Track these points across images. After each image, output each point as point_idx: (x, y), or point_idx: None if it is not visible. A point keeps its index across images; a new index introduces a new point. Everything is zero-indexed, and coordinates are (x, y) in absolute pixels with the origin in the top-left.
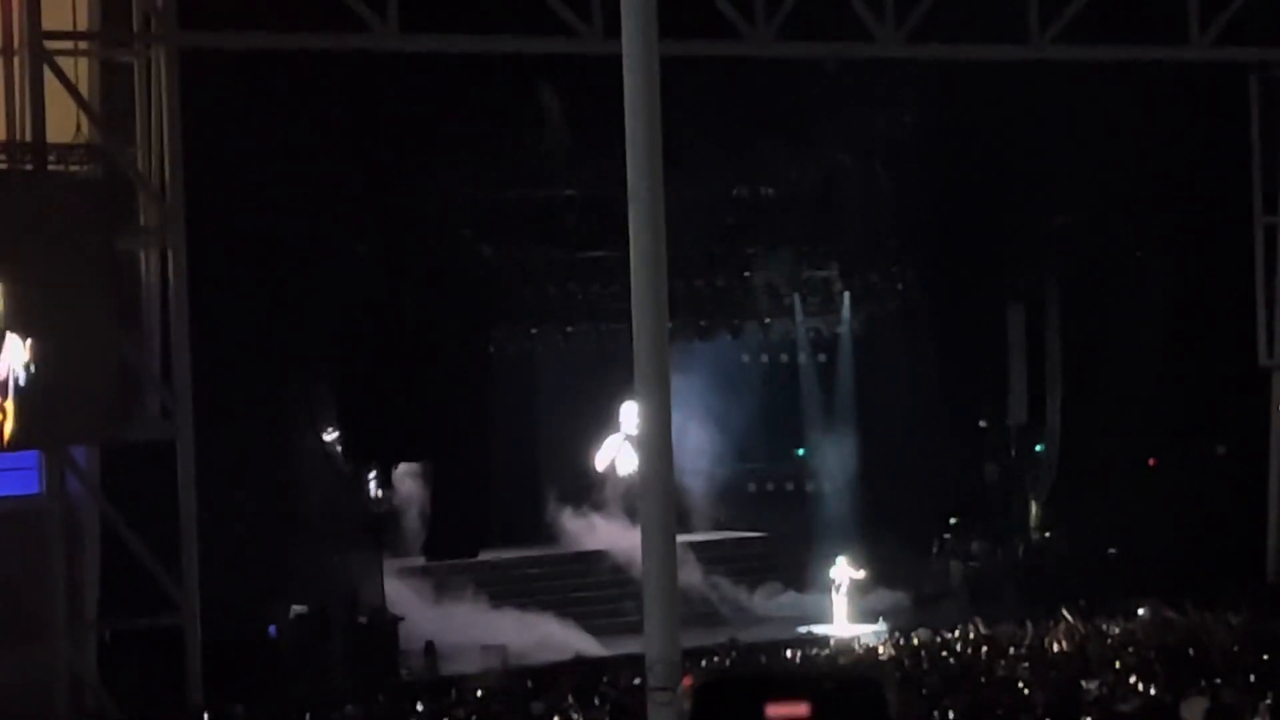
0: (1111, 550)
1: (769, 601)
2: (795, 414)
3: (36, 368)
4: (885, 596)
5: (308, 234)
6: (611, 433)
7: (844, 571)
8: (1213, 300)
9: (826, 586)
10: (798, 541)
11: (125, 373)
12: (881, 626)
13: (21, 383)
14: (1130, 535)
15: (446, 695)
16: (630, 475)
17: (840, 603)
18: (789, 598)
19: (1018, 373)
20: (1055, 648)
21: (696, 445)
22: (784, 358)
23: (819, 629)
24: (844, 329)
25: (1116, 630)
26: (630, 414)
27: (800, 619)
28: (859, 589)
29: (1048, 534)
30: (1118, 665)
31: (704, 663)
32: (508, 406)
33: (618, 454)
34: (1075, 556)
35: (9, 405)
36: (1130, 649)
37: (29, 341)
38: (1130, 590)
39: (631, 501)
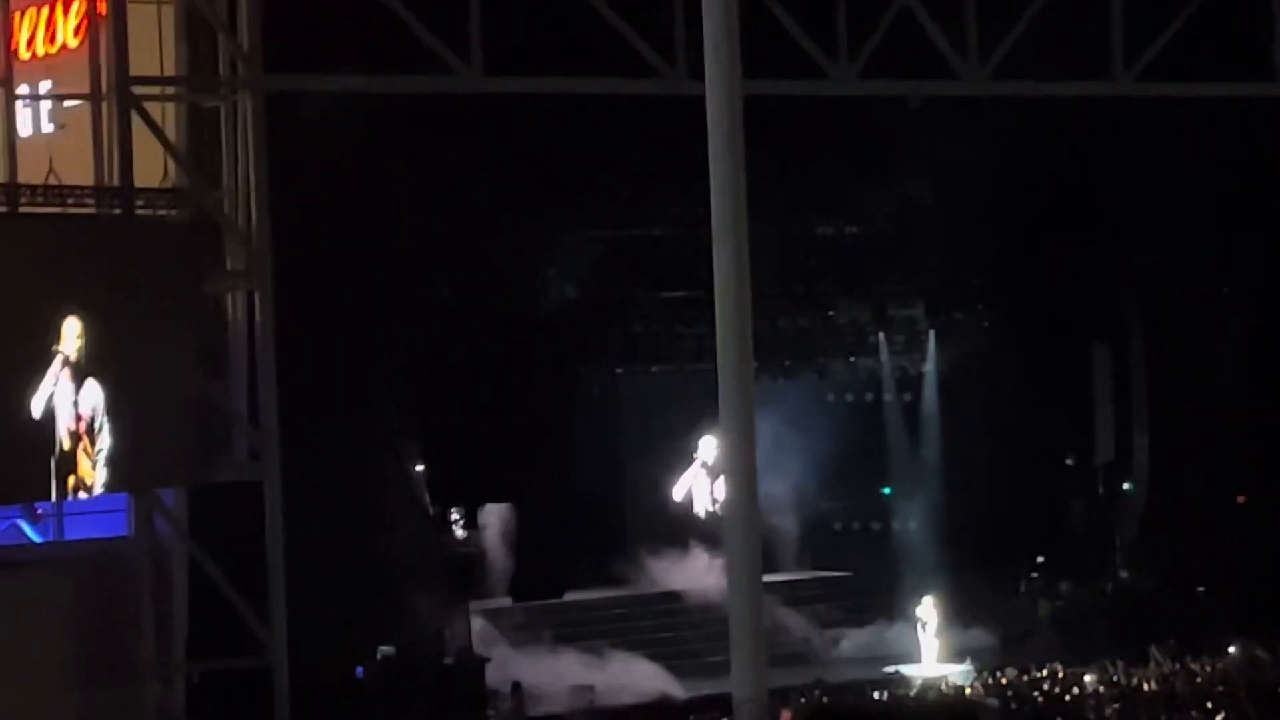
0: (1200, 589)
1: (855, 641)
2: (881, 453)
3: (123, 411)
4: (974, 635)
5: (393, 275)
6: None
7: (930, 611)
8: None
9: (913, 625)
10: (884, 581)
11: (212, 415)
12: (968, 666)
13: (107, 427)
14: (1219, 573)
15: None
16: (709, 512)
17: (928, 642)
18: (875, 637)
19: (1104, 410)
20: (1144, 687)
21: (782, 484)
22: (869, 396)
23: (906, 669)
24: (929, 367)
25: (1206, 669)
26: (708, 446)
27: (886, 659)
28: (945, 628)
29: (1136, 572)
30: (1208, 705)
31: (798, 699)
32: (592, 446)
33: (694, 486)
34: (1164, 595)
35: (91, 449)
36: (1220, 688)
37: (115, 385)
38: (1220, 629)
39: (715, 540)
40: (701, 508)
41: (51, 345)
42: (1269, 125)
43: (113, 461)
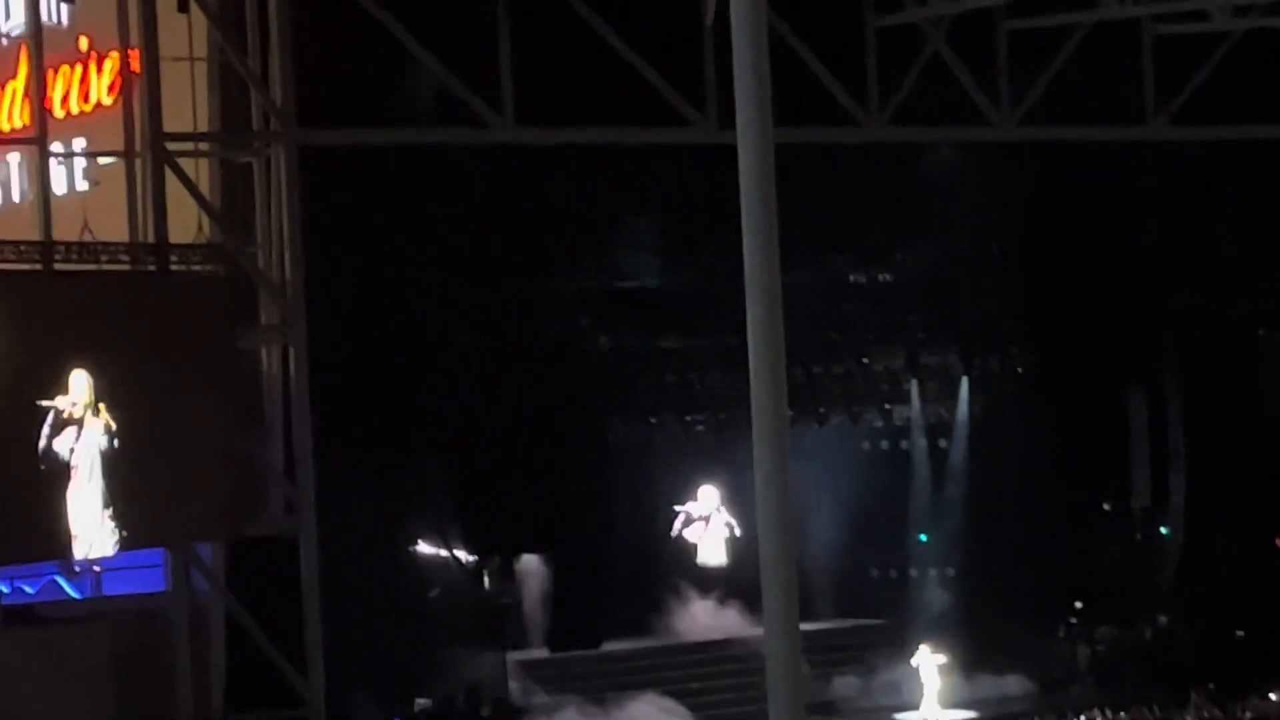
0: (1240, 633)
1: (886, 687)
2: (917, 499)
3: (159, 467)
4: (1012, 682)
5: (427, 327)
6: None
7: (929, 658)
8: None
9: (946, 672)
10: (921, 628)
11: (249, 469)
12: (972, 714)
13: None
14: (1258, 617)
15: None
16: (718, 563)
17: (929, 690)
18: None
19: (1140, 455)
20: None
21: (817, 532)
22: (904, 443)
23: (902, 716)
24: (963, 413)
25: (1248, 715)
26: (708, 497)
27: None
28: (971, 674)
29: (1174, 617)
30: None
31: None
32: (627, 495)
33: (699, 535)
34: (1203, 640)
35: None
36: None
37: (150, 440)
38: (1259, 674)
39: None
40: (710, 558)
41: (80, 401)
42: None
43: (139, 515)
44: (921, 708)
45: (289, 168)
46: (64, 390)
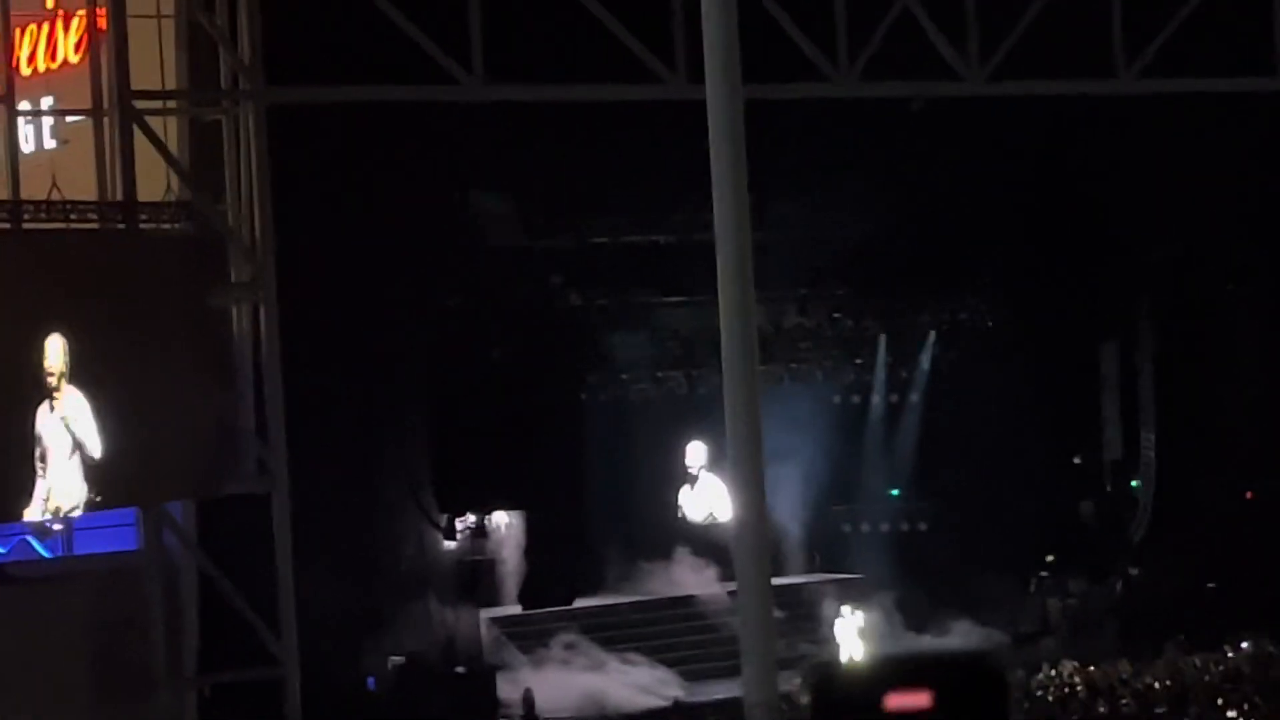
0: (1210, 584)
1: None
2: (888, 454)
3: (129, 426)
4: (986, 635)
5: (398, 286)
6: (683, 482)
7: (851, 621)
8: None
9: (916, 627)
10: (893, 582)
11: (220, 428)
12: None
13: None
14: (1229, 569)
15: None
16: (704, 519)
17: (858, 653)
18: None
19: (1111, 408)
20: (1156, 684)
21: (788, 487)
22: (875, 398)
23: None
24: (935, 367)
25: (1217, 666)
26: (695, 454)
27: None
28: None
29: (1146, 570)
30: (1219, 701)
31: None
32: (600, 453)
33: (686, 497)
34: (1174, 592)
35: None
36: (1231, 685)
37: (120, 400)
38: (1230, 625)
39: (718, 546)
40: (697, 514)
41: (46, 362)
42: (1273, 119)
43: (119, 475)
44: None
45: (258, 125)
46: (41, 355)
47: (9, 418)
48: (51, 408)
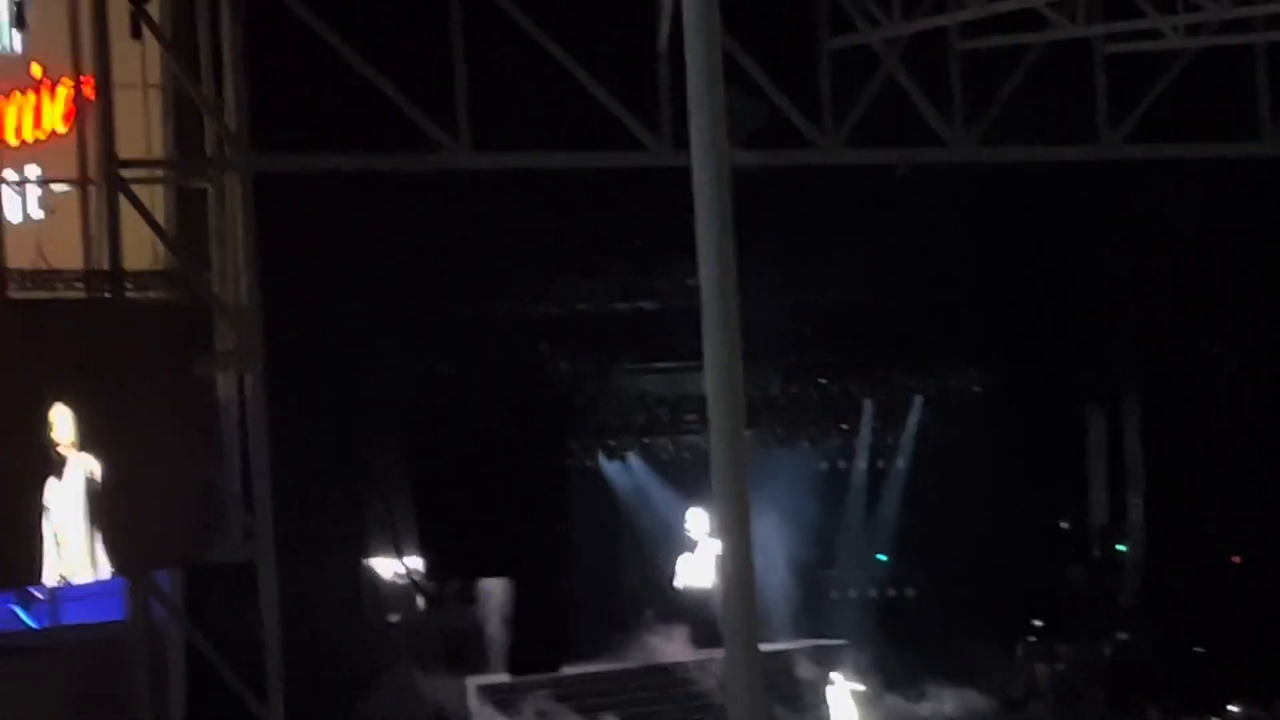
0: (1199, 649)
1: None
2: (875, 519)
3: (116, 496)
4: (972, 701)
5: (385, 353)
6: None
7: (842, 689)
8: None
9: (904, 693)
10: (880, 648)
11: (207, 496)
12: None
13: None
14: (1217, 634)
15: None
16: (701, 586)
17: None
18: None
19: (1098, 473)
20: None
21: (776, 553)
22: (862, 463)
23: None
24: (922, 432)
25: None
26: (696, 521)
27: None
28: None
29: (1134, 635)
30: None
31: None
32: (587, 520)
33: (685, 564)
34: (1162, 657)
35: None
36: None
37: (107, 469)
38: (1219, 690)
39: (708, 612)
40: (696, 581)
41: (44, 433)
42: (1256, 185)
43: (106, 545)
44: None
45: (244, 193)
46: (49, 426)
47: (19, 489)
48: (60, 478)
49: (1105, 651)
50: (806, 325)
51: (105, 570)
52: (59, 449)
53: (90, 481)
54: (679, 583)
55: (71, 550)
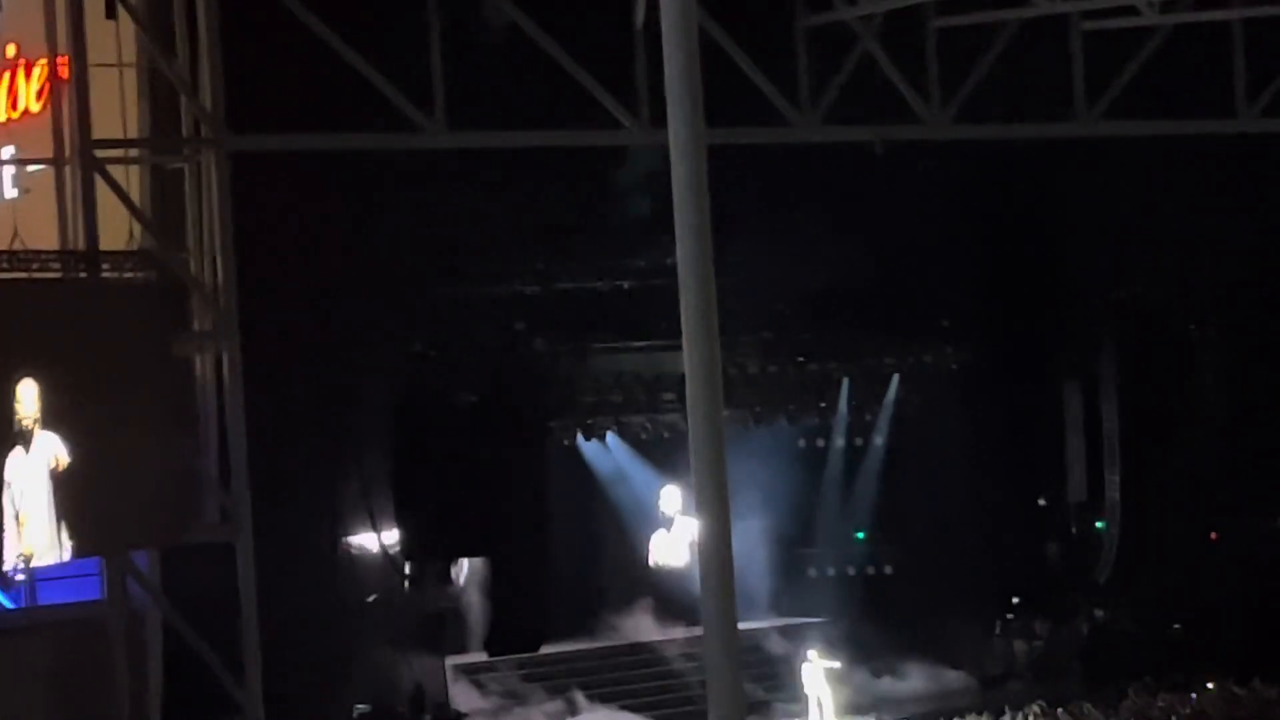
0: (1176, 626)
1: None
2: (852, 497)
3: (93, 476)
4: (952, 678)
5: (362, 332)
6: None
7: (818, 666)
8: (1272, 373)
9: (882, 671)
10: (858, 626)
11: (184, 476)
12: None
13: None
14: (1195, 611)
15: None
16: (674, 564)
17: (825, 698)
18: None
19: (1076, 450)
20: None
21: (754, 531)
22: (840, 441)
23: None
24: (899, 410)
25: (1184, 708)
26: (670, 498)
27: (859, 707)
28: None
29: (1111, 611)
30: None
31: None
32: (565, 499)
33: (659, 542)
34: (1140, 633)
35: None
36: None
37: (84, 449)
38: (1196, 666)
39: (685, 591)
40: (670, 559)
41: (8, 406)
42: (1232, 161)
43: (84, 525)
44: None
45: (220, 173)
46: (15, 401)
47: None
48: (26, 453)
49: (1083, 628)
50: (784, 303)
51: (69, 553)
52: (23, 422)
53: (55, 462)
54: (652, 561)
55: (32, 530)
